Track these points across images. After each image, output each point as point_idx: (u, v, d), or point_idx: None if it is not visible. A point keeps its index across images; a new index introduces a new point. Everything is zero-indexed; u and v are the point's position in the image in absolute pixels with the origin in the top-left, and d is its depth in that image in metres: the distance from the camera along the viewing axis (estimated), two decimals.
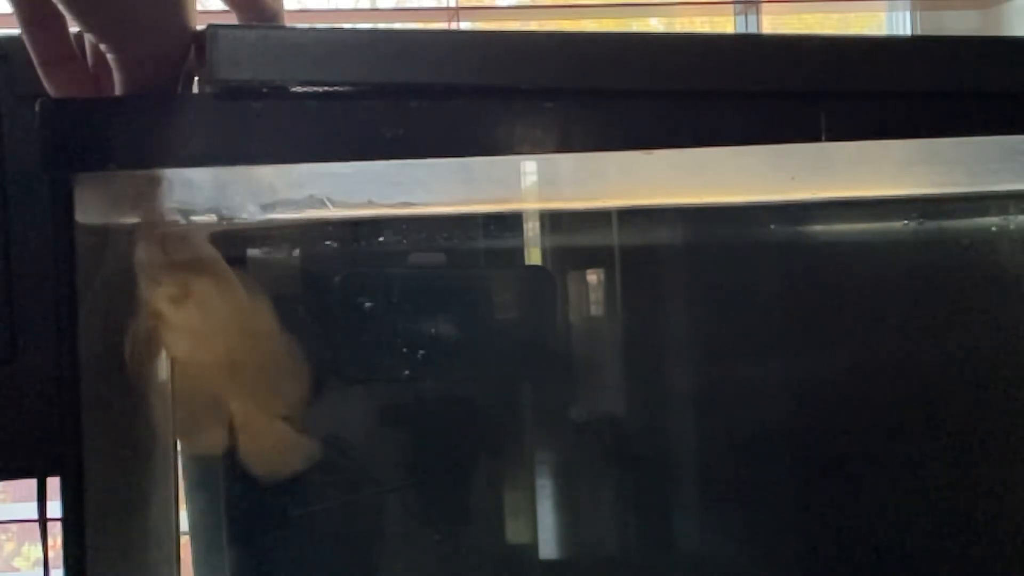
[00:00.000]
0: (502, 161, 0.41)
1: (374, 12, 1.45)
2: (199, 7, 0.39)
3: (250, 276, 0.47)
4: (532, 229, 0.55)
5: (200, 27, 0.37)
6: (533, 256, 0.55)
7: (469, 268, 0.55)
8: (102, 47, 0.37)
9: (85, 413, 0.38)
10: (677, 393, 0.57)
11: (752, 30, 1.32)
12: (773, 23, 1.37)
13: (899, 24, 1.40)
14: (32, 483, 0.47)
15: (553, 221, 0.55)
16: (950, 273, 0.57)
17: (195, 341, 0.43)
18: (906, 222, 0.57)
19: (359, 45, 0.38)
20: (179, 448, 0.52)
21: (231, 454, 0.44)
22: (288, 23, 0.42)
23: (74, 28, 0.40)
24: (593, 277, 0.56)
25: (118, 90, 0.38)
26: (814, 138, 0.40)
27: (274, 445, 0.45)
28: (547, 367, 0.55)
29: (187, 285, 0.42)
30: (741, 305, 0.56)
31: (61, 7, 0.36)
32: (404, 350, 0.52)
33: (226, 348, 0.44)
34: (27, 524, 1.12)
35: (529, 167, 0.47)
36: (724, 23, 1.37)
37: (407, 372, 0.52)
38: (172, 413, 0.50)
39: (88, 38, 0.40)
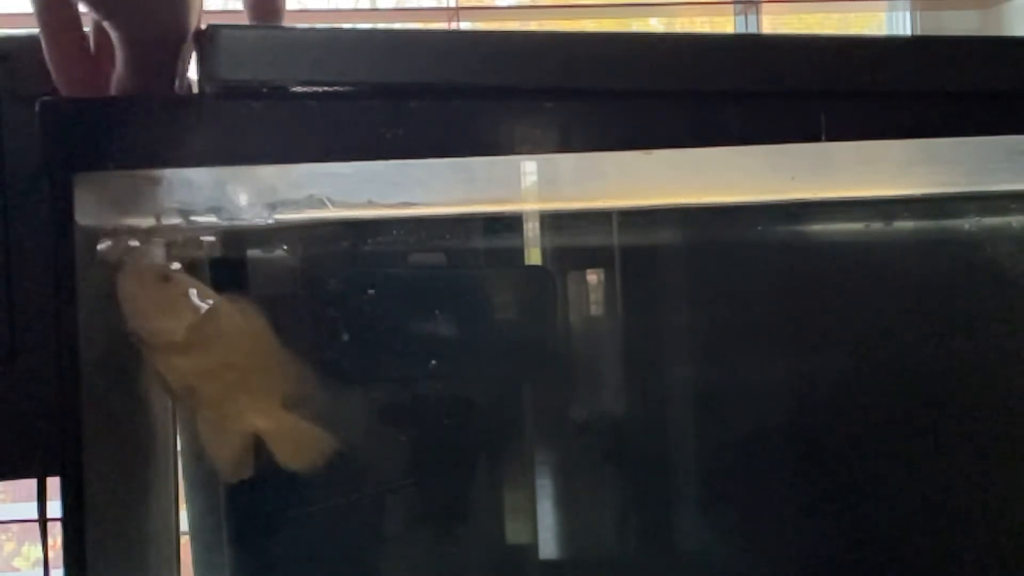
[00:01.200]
0: (502, 161, 0.41)
1: (374, 12, 1.45)
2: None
3: (235, 288, 0.47)
4: (532, 229, 0.55)
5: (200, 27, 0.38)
6: (533, 256, 0.55)
7: (469, 268, 0.55)
8: (106, 25, 0.37)
9: (85, 413, 0.38)
10: (677, 393, 0.57)
11: (752, 30, 1.32)
12: (773, 23, 1.37)
13: (899, 24, 1.40)
14: (32, 483, 0.47)
15: (553, 221, 0.55)
16: (951, 273, 0.57)
17: (206, 375, 0.43)
18: (905, 222, 0.57)
19: (359, 45, 0.38)
20: (179, 448, 0.52)
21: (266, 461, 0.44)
22: (288, 23, 0.42)
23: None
24: (593, 277, 0.56)
25: (119, 72, 0.38)
26: (814, 138, 0.40)
27: (301, 436, 0.45)
28: (547, 367, 0.55)
29: (184, 328, 0.42)
30: (741, 305, 0.56)
31: None
32: (404, 350, 0.52)
33: (236, 371, 0.44)
34: (27, 524, 1.12)
35: (529, 167, 0.47)
36: (724, 23, 1.37)
37: (406, 372, 0.52)
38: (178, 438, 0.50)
39: (93, 18, 0.40)
